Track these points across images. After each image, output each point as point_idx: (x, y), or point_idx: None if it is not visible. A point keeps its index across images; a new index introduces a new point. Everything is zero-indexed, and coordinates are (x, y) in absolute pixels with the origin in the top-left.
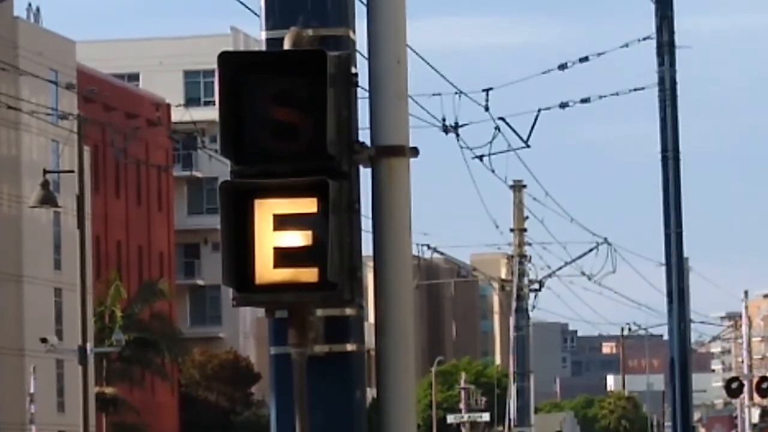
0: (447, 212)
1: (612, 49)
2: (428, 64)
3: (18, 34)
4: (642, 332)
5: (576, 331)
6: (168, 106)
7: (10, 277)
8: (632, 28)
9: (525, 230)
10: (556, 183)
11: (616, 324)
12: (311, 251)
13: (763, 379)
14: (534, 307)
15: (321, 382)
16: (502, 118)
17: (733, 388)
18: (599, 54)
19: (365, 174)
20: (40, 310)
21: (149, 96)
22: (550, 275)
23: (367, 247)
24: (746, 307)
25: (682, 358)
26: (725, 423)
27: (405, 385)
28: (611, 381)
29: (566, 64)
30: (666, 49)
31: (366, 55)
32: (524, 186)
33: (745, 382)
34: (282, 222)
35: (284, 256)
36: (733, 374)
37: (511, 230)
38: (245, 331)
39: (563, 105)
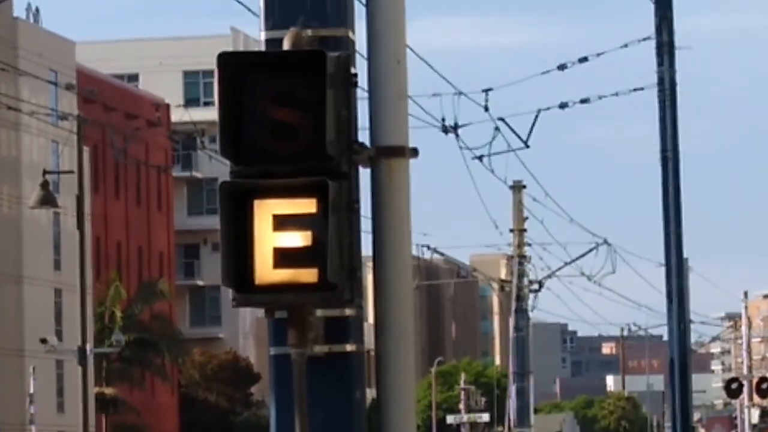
0: (447, 213)
1: (612, 49)
2: (428, 64)
3: (18, 35)
4: (642, 333)
5: (576, 332)
6: (168, 106)
7: (10, 278)
8: (632, 28)
9: (525, 231)
10: (556, 183)
11: (616, 324)
12: (311, 252)
13: (762, 379)
14: (534, 307)
15: (321, 382)
16: (501, 119)
17: (733, 389)
18: (599, 54)
19: (365, 174)
20: (39, 311)
21: (149, 96)
22: (549, 276)
23: (366, 248)
24: (746, 308)
25: (681, 359)
26: (725, 423)
27: (405, 385)
28: (611, 381)
29: (566, 64)
30: (666, 49)
31: (366, 55)
32: (524, 186)
33: (745, 383)
34: (282, 222)
35: (284, 257)
36: (732, 375)
37: (511, 231)
38: (245, 332)
39: (563, 105)
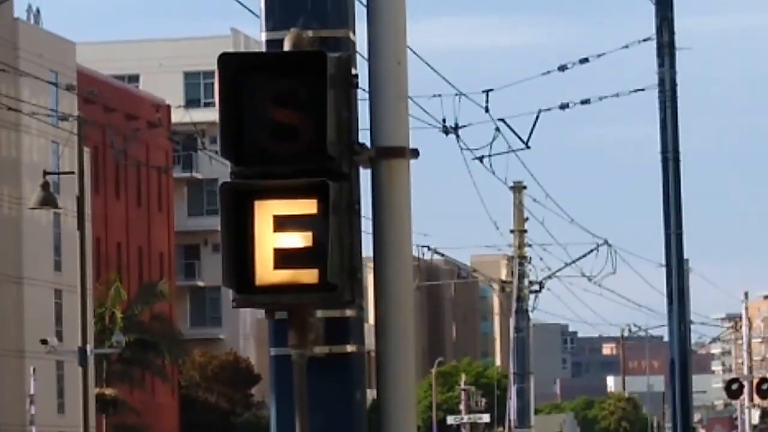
0: (447, 213)
1: (612, 50)
2: (428, 65)
3: (18, 36)
4: (642, 333)
5: (576, 333)
6: (168, 107)
7: (10, 279)
8: (632, 29)
9: (525, 231)
10: (557, 184)
11: (617, 325)
12: (311, 252)
13: (763, 380)
14: (534, 308)
15: (321, 383)
16: (502, 119)
17: (734, 390)
18: (599, 55)
19: (365, 175)
20: (40, 312)
21: (149, 97)
22: (550, 276)
23: (367, 248)
24: (746, 309)
25: (682, 360)
26: (725, 424)
27: (405, 386)
28: (611, 382)
29: (566, 65)
30: (666, 50)
31: (366, 56)
32: (524, 187)
33: (745, 384)
34: (282, 223)
35: (284, 258)
36: (733, 375)
37: (511, 231)
38: (245, 333)
39: (563, 106)
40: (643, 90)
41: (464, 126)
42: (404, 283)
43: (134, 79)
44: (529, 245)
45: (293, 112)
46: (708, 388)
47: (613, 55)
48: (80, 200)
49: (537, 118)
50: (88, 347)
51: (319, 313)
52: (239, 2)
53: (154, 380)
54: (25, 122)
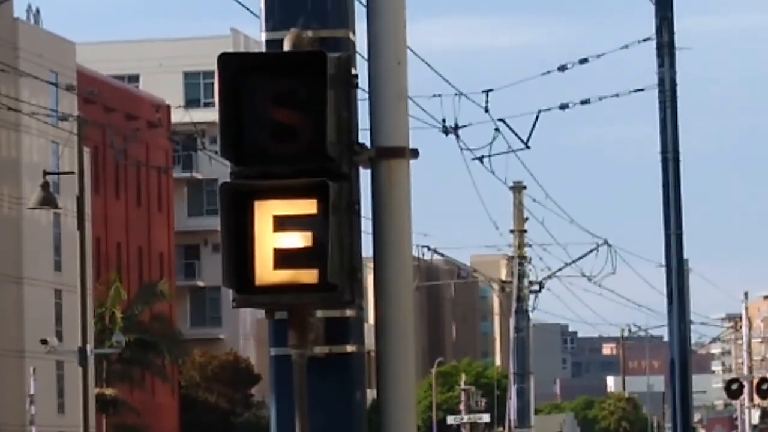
0: (447, 213)
1: (612, 50)
2: (428, 65)
3: (18, 36)
4: (642, 333)
5: (576, 333)
6: (168, 107)
7: (10, 279)
8: (632, 29)
9: (525, 231)
10: (556, 184)
11: (616, 325)
12: (311, 252)
13: (763, 380)
14: (534, 308)
15: (321, 383)
16: (502, 120)
17: (734, 390)
18: (599, 55)
19: (365, 175)
20: (40, 312)
21: (149, 97)
22: (550, 276)
23: (367, 249)
24: (746, 309)
25: (682, 360)
26: (725, 424)
27: (405, 386)
28: (611, 382)
29: (566, 65)
30: (666, 50)
31: (366, 56)
32: (524, 187)
33: (745, 384)
34: (282, 223)
35: (284, 258)
36: (733, 375)
37: (511, 231)
38: (245, 333)
39: (563, 106)
40: (642, 90)
41: (464, 126)
42: (404, 283)
43: (134, 79)
44: (529, 245)
45: (293, 112)
46: (708, 388)
47: (612, 55)
48: (80, 200)
49: (537, 118)
50: (88, 347)
51: (319, 313)
52: (239, 2)
53: (154, 380)
54: (25, 122)
